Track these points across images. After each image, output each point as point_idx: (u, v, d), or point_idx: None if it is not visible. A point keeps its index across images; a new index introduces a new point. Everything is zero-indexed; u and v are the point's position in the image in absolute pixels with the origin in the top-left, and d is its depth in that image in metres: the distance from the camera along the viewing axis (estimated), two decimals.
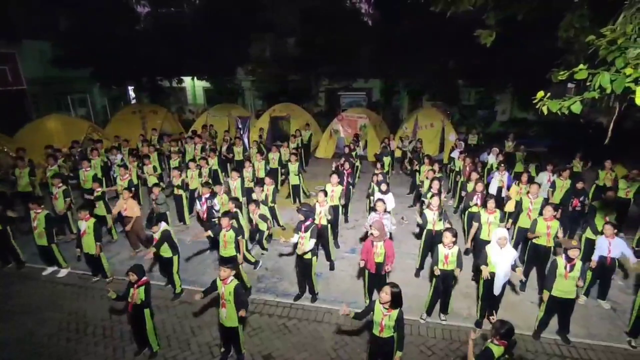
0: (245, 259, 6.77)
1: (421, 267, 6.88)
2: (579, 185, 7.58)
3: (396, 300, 3.92)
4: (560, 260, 4.94)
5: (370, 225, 5.43)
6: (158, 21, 18.45)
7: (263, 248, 7.74)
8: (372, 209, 6.86)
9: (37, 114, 16.05)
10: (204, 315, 5.89)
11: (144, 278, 4.76)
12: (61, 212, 7.83)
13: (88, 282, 6.84)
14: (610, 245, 5.61)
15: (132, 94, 23.60)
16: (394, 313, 3.96)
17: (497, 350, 3.47)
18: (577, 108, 3.27)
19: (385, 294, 3.89)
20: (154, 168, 9.48)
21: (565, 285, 4.91)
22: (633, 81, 2.95)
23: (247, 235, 7.47)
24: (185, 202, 8.84)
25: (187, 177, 9.04)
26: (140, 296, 4.67)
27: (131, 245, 7.82)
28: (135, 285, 4.68)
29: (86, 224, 6.41)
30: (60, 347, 5.29)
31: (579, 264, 4.88)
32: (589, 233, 6.57)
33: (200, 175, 9.18)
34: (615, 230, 5.67)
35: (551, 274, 4.99)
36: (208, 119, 16.66)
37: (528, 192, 6.95)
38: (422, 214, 6.63)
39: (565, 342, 5.25)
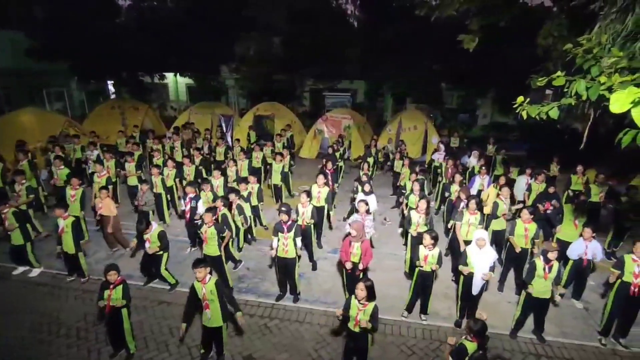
0: (229, 256, 6.77)
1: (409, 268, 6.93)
2: (551, 189, 7.82)
3: (371, 294, 4.05)
4: (539, 262, 5.08)
5: (350, 224, 5.50)
6: (141, 15, 18.03)
7: (239, 248, 7.61)
8: (354, 210, 6.89)
9: (9, 107, 15.41)
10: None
11: (120, 277, 4.66)
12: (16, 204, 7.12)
13: (62, 282, 6.60)
14: (587, 248, 5.80)
15: (111, 88, 22.95)
16: (369, 307, 4.07)
17: (470, 346, 3.61)
18: (554, 113, 3.36)
19: (361, 290, 4.01)
20: (136, 167, 9.22)
21: (542, 285, 5.06)
22: (607, 89, 3.06)
23: (239, 232, 7.42)
24: (165, 200, 8.66)
25: (163, 175, 8.88)
26: (118, 296, 4.55)
27: (108, 245, 7.61)
28: (112, 286, 4.56)
29: (64, 222, 6.20)
30: (33, 349, 5.08)
31: (556, 265, 5.05)
32: (560, 234, 6.80)
33: (178, 174, 9.00)
34: (594, 234, 5.86)
35: (530, 274, 5.13)
36: (191, 116, 16.40)
37: (498, 195, 7.12)
38: (408, 215, 6.69)
39: (540, 340, 5.39)
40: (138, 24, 17.49)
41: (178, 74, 21.95)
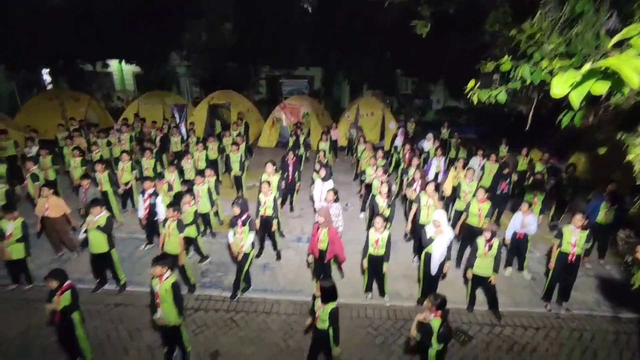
0: (198, 250, 6.74)
1: None
2: (506, 170, 8.31)
3: (326, 296, 3.97)
4: (481, 241, 5.37)
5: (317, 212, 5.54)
6: None
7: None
8: (311, 197, 6.89)
9: None
10: (142, 317, 5.51)
11: (68, 282, 4.33)
12: None
13: (1, 292, 6.04)
14: (524, 221, 6.19)
15: (47, 78, 20.92)
16: (328, 307, 4.00)
17: (435, 322, 3.77)
18: (503, 97, 3.51)
19: (317, 289, 3.97)
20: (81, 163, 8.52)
21: (484, 263, 5.36)
22: (548, 73, 3.24)
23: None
24: (112, 198, 8.10)
25: (117, 169, 8.41)
26: (65, 302, 4.24)
27: (53, 248, 7.03)
28: (59, 292, 4.22)
29: (13, 225, 5.71)
30: None
31: (496, 243, 5.33)
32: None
33: (133, 168, 8.50)
34: (531, 208, 6.28)
35: (473, 253, 5.43)
36: (140, 107, 15.44)
37: (465, 176, 7.41)
38: (372, 200, 6.78)
39: (495, 316, 5.70)
40: (74, 5, 15.86)
41: (123, 61, 20.44)
